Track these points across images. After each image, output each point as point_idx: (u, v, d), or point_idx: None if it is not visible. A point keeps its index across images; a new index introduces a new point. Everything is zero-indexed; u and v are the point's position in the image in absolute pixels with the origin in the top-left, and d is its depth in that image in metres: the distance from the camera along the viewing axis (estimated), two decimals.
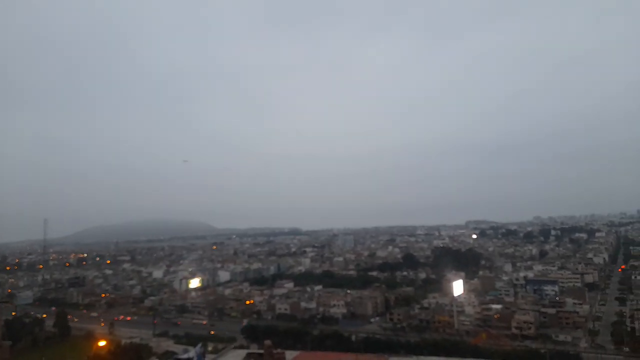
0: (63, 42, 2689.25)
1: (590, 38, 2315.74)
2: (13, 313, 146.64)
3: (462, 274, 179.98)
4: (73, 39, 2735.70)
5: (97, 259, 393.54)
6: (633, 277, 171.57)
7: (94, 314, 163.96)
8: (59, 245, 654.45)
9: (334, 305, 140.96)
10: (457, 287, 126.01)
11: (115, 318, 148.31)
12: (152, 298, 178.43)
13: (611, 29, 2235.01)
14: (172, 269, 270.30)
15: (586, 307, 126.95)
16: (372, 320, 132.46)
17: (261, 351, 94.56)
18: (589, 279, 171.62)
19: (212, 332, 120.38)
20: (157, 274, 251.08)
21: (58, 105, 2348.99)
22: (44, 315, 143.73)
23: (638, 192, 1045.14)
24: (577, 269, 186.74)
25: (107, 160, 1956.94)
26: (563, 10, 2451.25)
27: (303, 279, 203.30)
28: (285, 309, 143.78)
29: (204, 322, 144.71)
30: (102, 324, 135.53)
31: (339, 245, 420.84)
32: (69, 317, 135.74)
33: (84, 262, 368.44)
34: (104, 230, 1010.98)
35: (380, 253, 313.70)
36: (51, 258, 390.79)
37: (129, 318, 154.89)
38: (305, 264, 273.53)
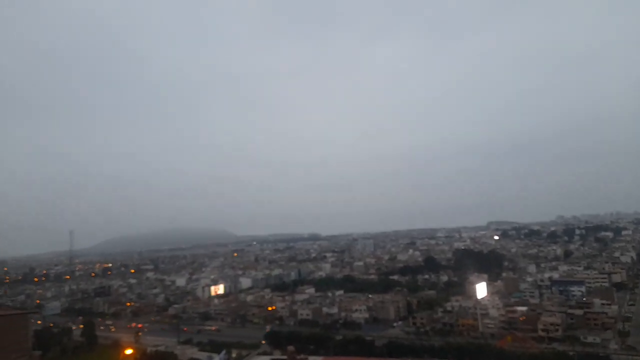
0: (73, 49, 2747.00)
1: (605, 31, 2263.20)
2: (50, 325, 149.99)
3: (485, 276, 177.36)
4: (76, 46, 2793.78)
5: (122, 268, 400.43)
6: None
7: (118, 323, 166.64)
8: (84, 255, 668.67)
9: (356, 310, 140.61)
10: (481, 290, 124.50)
11: (128, 326, 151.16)
12: (176, 306, 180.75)
13: (621, 24, 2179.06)
14: (194, 277, 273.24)
15: (615, 307, 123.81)
16: (395, 324, 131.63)
17: (284, 357, 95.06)
18: (616, 278, 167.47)
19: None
20: (180, 282, 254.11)
21: (75, 120, 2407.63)
22: (80, 326, 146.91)
23: None
24: (604, 268, 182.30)
25: (128, 170, 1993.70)
26: (570, 8, 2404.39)
27: (324, 284, 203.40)
28: (307, 315, 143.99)
29: (213, 327, 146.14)
30: (128, 333, 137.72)
31: (359, 250, 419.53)
32: (100, 327, 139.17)
33: (109, 272, 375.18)
34: (128, 240, 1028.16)
35: (401, 256, 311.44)
36: (77, 268, 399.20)
37: (140, 326, 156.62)
38: (325, 269, 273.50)
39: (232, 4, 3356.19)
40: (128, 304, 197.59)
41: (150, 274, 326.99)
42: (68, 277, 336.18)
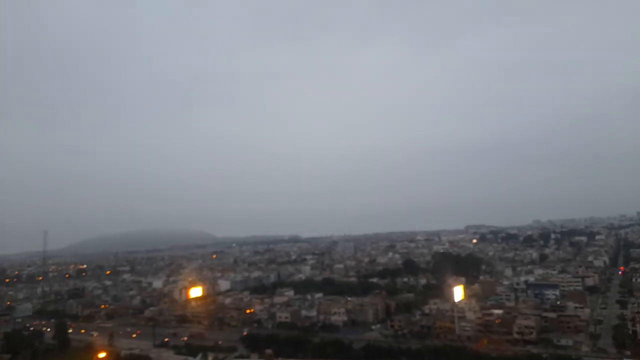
0: (60, 49, 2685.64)
1: (593, 39, 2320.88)
2: (19, 327, 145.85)
3: (463, 279, 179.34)
4: (68, 46, 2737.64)
5: (97, 270, 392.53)
6: (634, 279, 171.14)
7: (92, 325, 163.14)
8: (58, 256, 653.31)
9: (335, 313, 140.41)
10: (458, 293, 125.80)
11: (100, 327, 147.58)
12: (152, 308, 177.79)
13: (610, 33, 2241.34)
14: (172, 279, 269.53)
15: (587, 310, 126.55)
16: (373, 327, 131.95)
17: None
18: (589, 282, 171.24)
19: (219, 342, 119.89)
20: (157, 284, 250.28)
21: (56, 116, 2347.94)
22: (46, 328, 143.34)
23: (637, 194, 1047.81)
24: (577, 272, 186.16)
25: (106, 170, 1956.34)
26: (561, 14, 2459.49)
27: (303, 287, 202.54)
28: (286, 318, 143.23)
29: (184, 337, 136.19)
30: (102, 335, 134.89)
31: (339, 252, 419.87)
32: (70, 329, 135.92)
33: (84, 273, 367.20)
34: (104, 240, 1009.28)
35: (381, 259, 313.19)
36: (50, 269, 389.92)
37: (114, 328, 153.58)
38: (305, 272, 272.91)
39: (222, 6, 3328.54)
40: (103, 306, 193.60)
41: (126, 276, 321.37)
42: (41, 278, 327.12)
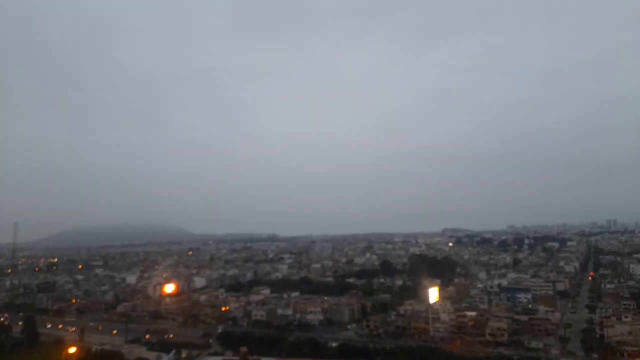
0: (37, 45, 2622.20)
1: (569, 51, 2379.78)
2: None
3: (438, 281, 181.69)
4: (51, 44, 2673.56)
5: (69, 264, 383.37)
6: (602, 285, 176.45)
7: (65, 320, 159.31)
8: (29, 249, 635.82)
9: (311, 312, 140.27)
10: (433, 294, 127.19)
11: (68, 321, 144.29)
12: (125, 304, 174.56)
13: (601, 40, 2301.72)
14: (146, 275, 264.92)
15: (557, 314, 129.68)
16: (349, 327, 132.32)
17: (236, 358, 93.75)
18: (560, 286, 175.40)
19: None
20: (131, 279, 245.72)
21: (29, 105, 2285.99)
22: (14, 322, 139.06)
23: (608, 202, 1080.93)
24: (549, 277, 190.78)
25: (81, 162, 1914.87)
26: (557, 19, 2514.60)
27: (280, 286, 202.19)
28: (262, 316, 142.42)
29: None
30: (73, 330, 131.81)
31: (317, 252, 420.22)
32: (43, 324, 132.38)
33: (55, 267, 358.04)
34: (77, 234, 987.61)
35: (358, 260, 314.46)
36: (20, 262, 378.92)
37: (100, 327, 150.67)
38: (282, 271, 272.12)
39: (207, 2, 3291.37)
40: (74, 300, 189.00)
41: (99, 271, 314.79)
42: (10, 271, 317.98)
